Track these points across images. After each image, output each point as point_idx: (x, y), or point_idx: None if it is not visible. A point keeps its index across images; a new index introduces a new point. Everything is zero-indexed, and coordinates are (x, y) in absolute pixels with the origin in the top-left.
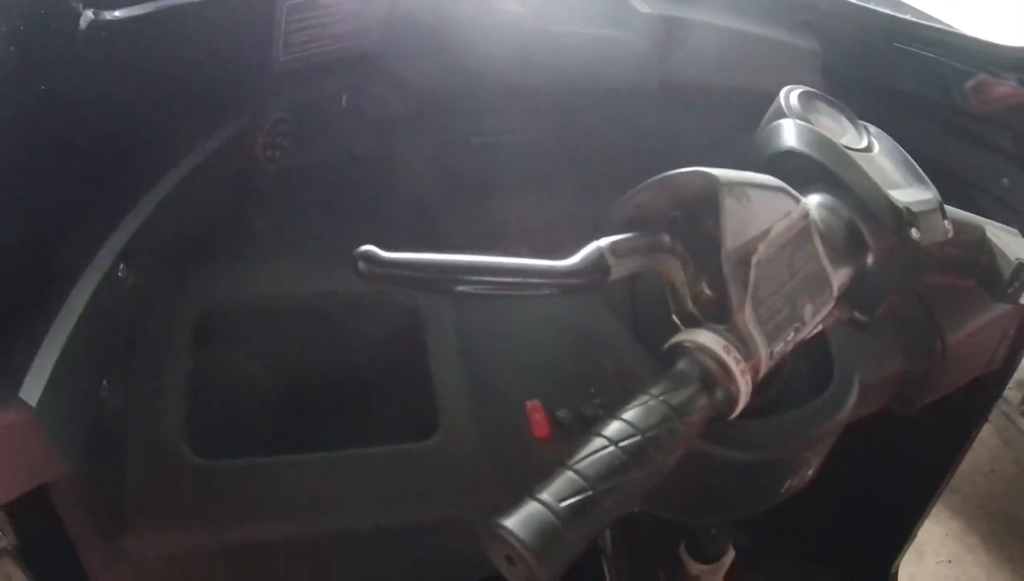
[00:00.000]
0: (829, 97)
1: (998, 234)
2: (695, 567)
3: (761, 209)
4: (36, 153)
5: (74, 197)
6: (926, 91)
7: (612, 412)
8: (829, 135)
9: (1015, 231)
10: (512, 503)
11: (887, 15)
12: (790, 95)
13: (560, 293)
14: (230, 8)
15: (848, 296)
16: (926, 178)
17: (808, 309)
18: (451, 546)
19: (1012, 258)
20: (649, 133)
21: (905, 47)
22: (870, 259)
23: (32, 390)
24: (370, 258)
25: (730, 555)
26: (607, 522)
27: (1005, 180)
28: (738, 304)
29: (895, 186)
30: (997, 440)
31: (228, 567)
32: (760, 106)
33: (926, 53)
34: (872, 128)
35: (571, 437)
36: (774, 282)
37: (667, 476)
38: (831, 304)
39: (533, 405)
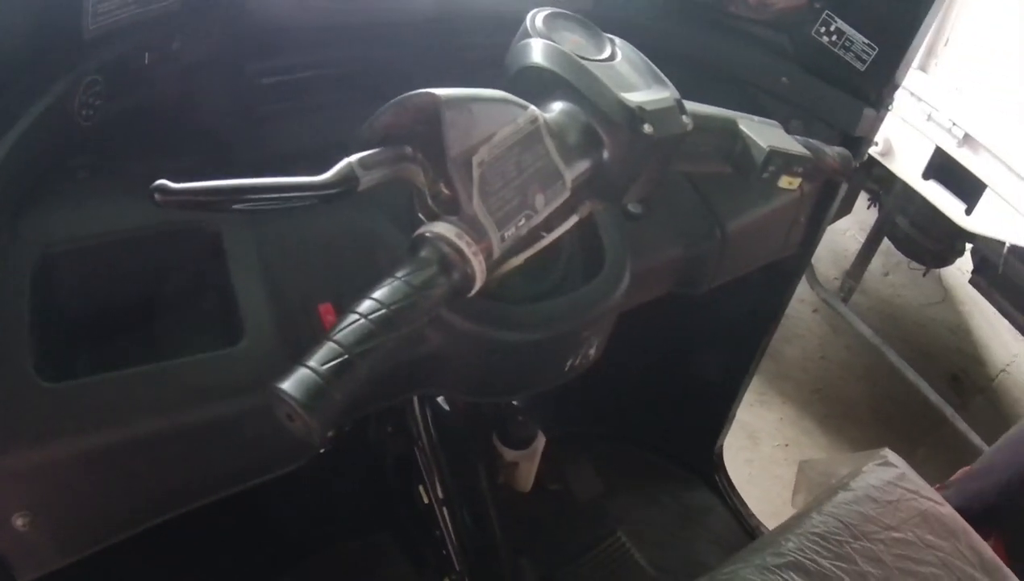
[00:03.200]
0: (574, 15)
1: (755, 126)
2: (509, 453)
3: (483, 118)
4: None
5: None
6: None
7: (366, 292)
8: (573, 49)
9: (775, 123)
10: (287, 370)
11: None
12: (536, 17)
13: (321, 202)
14: None
15: (593, 188)
16: (666, 80)
17: (539, 198)
18: (265, 432)
19: (764, 146)
20: (427, 58)
21: None
22: (606, 154)
23: None
24: (162, 189)
25: (540, 439)
26: (365, 379)
27: (784, 78)
28: (465, 198)
29: (631, 89)
30: (826, 328)
31: (78, 474)
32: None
33: None
34: (618, 40)
35: None
36: (501, 178)
37: (456, 358)
38: (566, 194)
39: (325, 307)
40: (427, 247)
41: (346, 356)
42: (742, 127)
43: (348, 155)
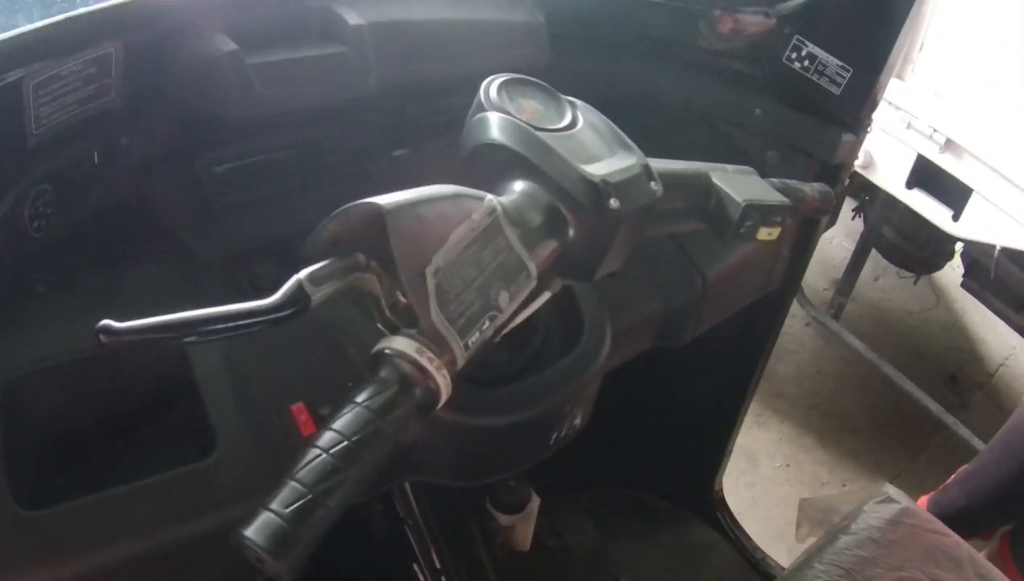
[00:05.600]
0: (531, 80)
1: (728, 178)
2: (504, 518)
3: (435, 221)
4: None
5: None
6: (666, 36)
7: (325, 423)
8: (532, 118)
9: (750, 169)
10: (251, 514)
11: None
12: (491, 86)
13: (272, 327)
14: None
15: (561, 268)
16: (631, 145)
17: (503, 296)
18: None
19: (739, 200)
20: (382, 130)
21: None
22: (571, 233)
23: None
24: (106, 331)
25: (535, 501)
26: (333, 517)
27: (758, 111)
28: (422, 311)
29: (595, 159)
30: (820, 342)
31: None
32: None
33: None
34: (579, 103)
35: None
36: (460, 282)
37: (437, 447)
38: (532, 284)
39: (297, 407)
40: (387, 366)
41: (309, 496)
42: (715, 181)
43: (299, 265)
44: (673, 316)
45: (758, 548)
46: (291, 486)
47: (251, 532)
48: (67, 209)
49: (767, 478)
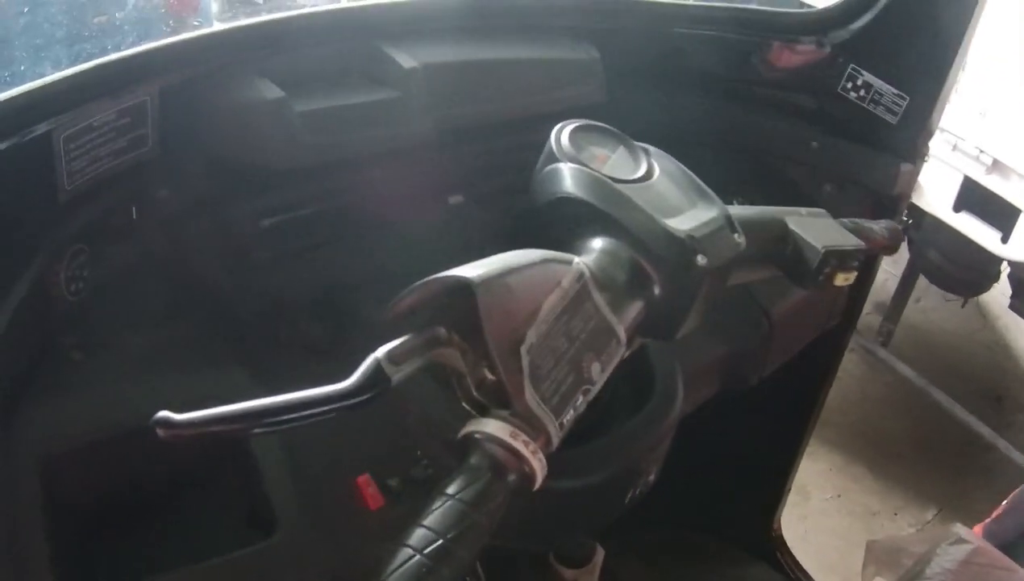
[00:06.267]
0: (604, 126)
1: (803, 222)
2: (568, 573)
3: (526, 293)
4: None
5: None
6: (720, 70)
7: (415, 518)
8: (605, 168)
9: (822, 211)
10: None
11: (660, 2)
12: (561, 134)
13: (349, 413)
14: (7, 157)
15: (644, 328)
16: (710, 194)
17: (595, 367)
18: None
19: (819, 247)
20: (432, 174)
21: (688, 31)
22: (657, 291)
23: None
24: (166, 424)
25: (599, 554)
26: None
27: (814, 144)
28: (516, 392)
29: (677, 212)
30: (864, 368)
31: None
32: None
33: (710, 32)
34: (652, 149)
35: (404, 502)
36: (552, 356)
37: (507, 512)
38: (622, 350)
39: (364, 479)
40: (477, 452)
41: None
42: (791, 226)
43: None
44: (740, 359)
45: None
46: None
47: None
48: (102, 267)
49: (818, 510)
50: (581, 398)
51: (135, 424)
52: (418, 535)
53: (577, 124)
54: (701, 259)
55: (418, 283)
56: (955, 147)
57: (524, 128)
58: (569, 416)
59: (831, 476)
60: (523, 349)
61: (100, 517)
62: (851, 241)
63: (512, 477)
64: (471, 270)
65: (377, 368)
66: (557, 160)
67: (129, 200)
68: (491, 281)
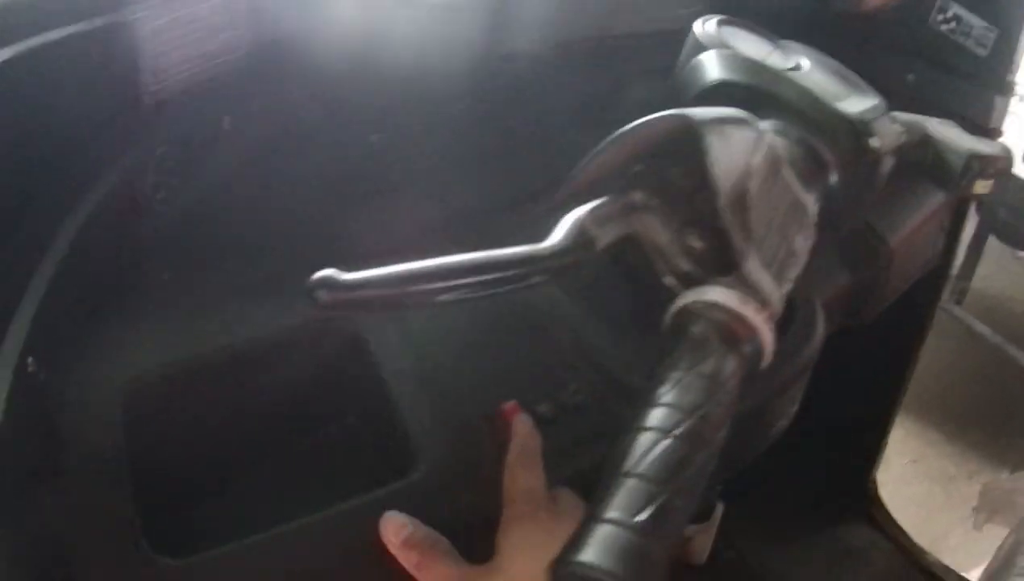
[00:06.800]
0: (744, 21)
1: (940, 129)
2: (688, 528)
3: (738, 144)
4: None
5: None
6: (815, 5)
7: (647, 399)
8: (760, 58)
9: (952, 123)
10: (579, 533)
11: None
12: (705, 25)
13: (548, 279)
14: (93, 41)
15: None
16: (865, 84)
17: (799, 241)
18: None
19: (963, 150)
20: (552, 102)
21: None
22: (832, 177)
23: None
24: (331, 284)
25: (719, 509)
26: (684, 526)
27: (910, 76)
28: (743, 251)
29: (838, 98)
30: (933, 331)
31: None
32: (651, 49)
33: None
34: (795, 44)
35: (557, 432)
36: (765, 220)
37: None
38: (812, 231)
39: (510, 407)
40: (699, 324)
41: (663, 497)
42: (932, 131)
43: (547, 212)
44: (859, 291)
45: (917, 545)
46: (633, 485)
47: (593, 555)
48: (193, 183)
49: (896, 475)
50: (793, 271)
51: (241, 348)
52: (661, 415)
53: (719, 17)
54: (875, 141)
55: (618, 133)
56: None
57: (626, 54)
58: (786, 289)
59: (908, 440)
60: (749, 199)
61: (197, 463)
62: (992, 147)
63: (746, 349)
64: (686, 110)
65: (581, 228)
66: (705, 48)
67: (221, 110)
68: (712, 121)
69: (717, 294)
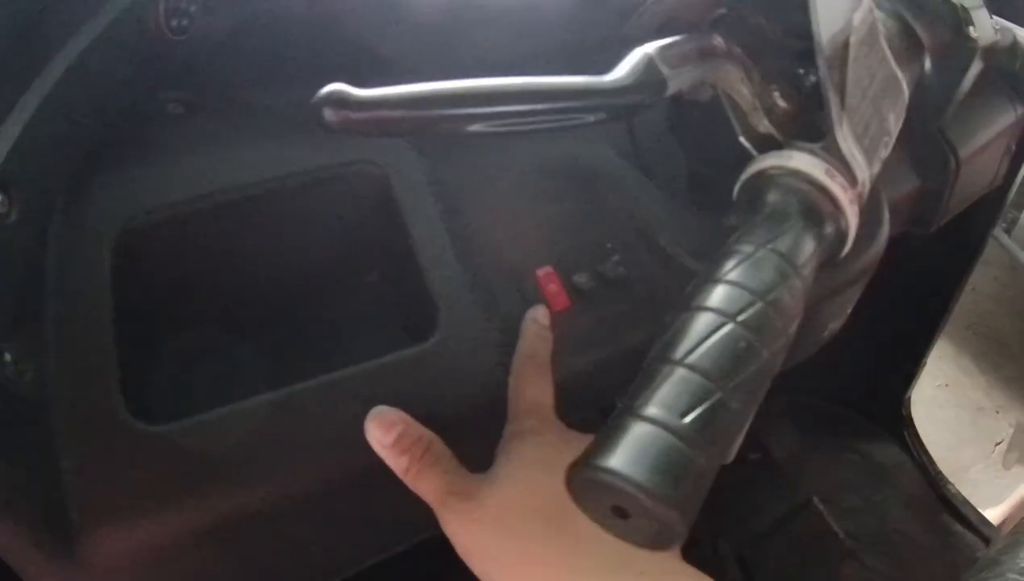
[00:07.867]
0: None
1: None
2: None
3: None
4: None
5: None
6: None
7: (708, 274)
8: None
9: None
10: (607, 431)
11: None
12: None
13: (606, 119)
14: None
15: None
16: None
17: (892, 119)
18: (467, 451)
19: None
20: None
21: None
22: (927, 62)
23: None
24: (341, 100)
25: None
26: (738, 439)
27: None
28: (837, 115)
29: None
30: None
31: (207, 554)
32: None
33: None
34: None
35: (595, 305)
36: (861, 87)
37: None
38: (903, 114)
39: (545, 273)
40: (778, 192)
41: (718, 395)
42: (1019, 38)
43: (625, 47)
44: (926, 197)
45: (942, 474)
46: (682, 376)
47: (622, 461)
48: (213, 12)
49: (928, 398)
50: (884, 151)
51: (247, 192)
52: (723, 294)
53: None
54: (974, 31)
55: None
56: None
57: None
58: (876, 170)
59: (941, 364)
60: (850, 56)
61: (191, 321)
62: None
63: (828, 229)
64: None
65: (650, 64)
66: None
67: None
68: None
69: (802, 161)
